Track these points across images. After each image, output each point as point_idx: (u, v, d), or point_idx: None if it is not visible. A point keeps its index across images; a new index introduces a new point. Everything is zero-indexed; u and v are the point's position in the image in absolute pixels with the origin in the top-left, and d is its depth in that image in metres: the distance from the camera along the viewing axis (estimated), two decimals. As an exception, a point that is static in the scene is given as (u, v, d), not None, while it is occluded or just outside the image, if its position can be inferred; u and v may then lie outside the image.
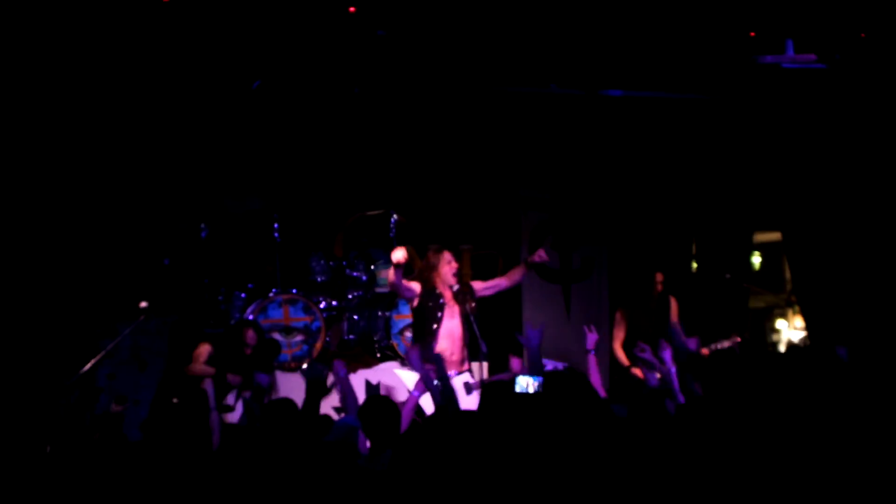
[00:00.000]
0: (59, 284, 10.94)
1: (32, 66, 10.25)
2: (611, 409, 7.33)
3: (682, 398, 8.25)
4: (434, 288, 10.08)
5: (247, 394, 9.95)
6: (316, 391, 8.08)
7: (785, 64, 11.79)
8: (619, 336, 11.48)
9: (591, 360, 9.00)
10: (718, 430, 6.67)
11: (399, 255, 9.72)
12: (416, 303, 10.12)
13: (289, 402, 6.98)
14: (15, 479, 5.97)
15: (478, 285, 10.30)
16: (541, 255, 10.21)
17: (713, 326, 12.59)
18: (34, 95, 10.46)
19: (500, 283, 10.43)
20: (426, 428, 6.83)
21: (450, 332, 10.03)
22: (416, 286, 10.06)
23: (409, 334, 11.52)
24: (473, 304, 10.10)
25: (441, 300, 10.06)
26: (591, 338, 9.17)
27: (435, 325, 9.97)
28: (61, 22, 9.95)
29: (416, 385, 9.44)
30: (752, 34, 11.58)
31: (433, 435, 6.49)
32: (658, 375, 10.68)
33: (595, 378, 8.89)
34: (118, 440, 7.33)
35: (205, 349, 10.00)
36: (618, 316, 11.49)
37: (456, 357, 9.98)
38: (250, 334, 10.19)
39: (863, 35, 11.58)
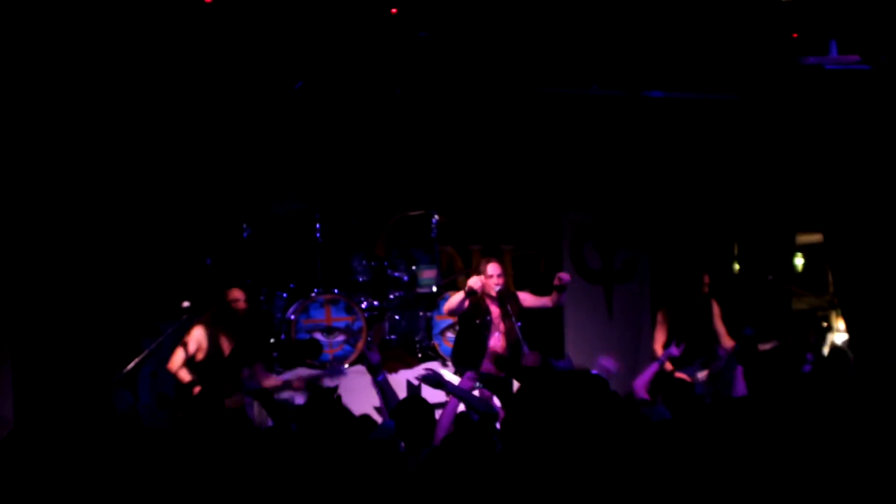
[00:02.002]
0: (103, 285, 11.01)
1: (76, 66, 10.32)
2: (641, 413, 7.33)
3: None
4: (481, 300, 10.05)
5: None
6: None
7: (828, 65, 11.73)
8: (660, 338, 11.39)
9: (653, 367, 9.02)
10: (761, 431, 6.64)
11: (476, 283, 9.78)
12: (460, 315, 10.11)
13: (331, 401, 7.00)
14: (61, 475, 6.00)
15: (526, 299, 10.26)
16: (562, 276, 10.14)
17: (755, 328, 12.54)
18: (79, 95, 10.53)
19: (546, 302, 10.37)
20: (463, 431, 6.85)
21: (494, 347, 10.04)
22: (464, 301, 10.03)
23: (450, 335, 11.52)
24: (517, 308, 10.08)
25: (488, 317, 10.04)
26: (672, 352, 9.32)
27: (482, 346, 9.98)
28: (105, 22, 10.00)
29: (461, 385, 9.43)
30: (795, 35, 11.53)
31: (469, 437, 6.52)
32: (702, 375, 10.68)
33: (643, 382, 8.90)
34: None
35: (179, 353, 9.95)
36: (659, 317, 11.40)
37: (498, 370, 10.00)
38: (235, 293, 10.15)
39: (907, 36, 11.52)
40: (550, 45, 11.23)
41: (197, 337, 9.93)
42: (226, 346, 10.01)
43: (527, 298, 10.26)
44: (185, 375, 9.73)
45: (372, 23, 10.58)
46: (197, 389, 9.66)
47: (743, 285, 13.35)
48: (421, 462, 6.49)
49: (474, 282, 9.86)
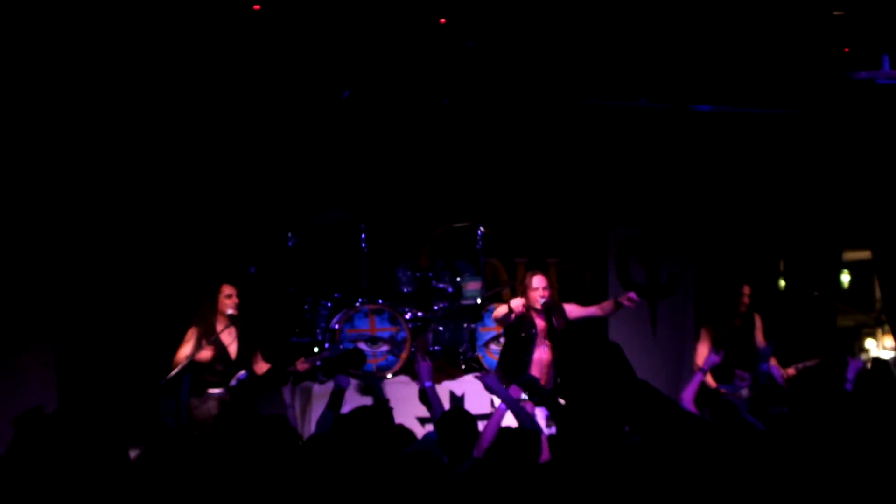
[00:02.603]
0: (150, 292, 11.07)
1: (121, 75, 10.39)
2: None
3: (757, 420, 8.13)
4: (526, 313, 10.02)
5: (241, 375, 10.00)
6: (337, 401, 8.11)
7: (880, 80, 11.64)
8: (702, 353, 11.30)
9: (697, 378, 8.95)
10: (802, 450, 6.59)
11: (518, 304, 9.80)
12: (506, 326, 10.09)
13: (369, 411, 7.00)
14: (108, 481, 6.01)
15: (573, 311, 10.21)
16: (631, 297, 10.08)
17: (800, 345, 12.46)
18: (127, 104, 10.61)
19: (595, 311, 10.32)
20: (507, 444, 6.81)
21: (539, 360, 10.01)
22: (510, 315, 10.01)
23: (494, 347, 11.48)
24: (563, 322, 10.04)
25: (533, 330, 10.01)
26: (712, 360, 9.23)
27: (527, 358, 9.95)
28: (156, 28, 10.05)
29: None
30: (847, 49, 11.45)
31: (514, 451, 6.48)
32: (745, 393, 10.58)
33: (689, 393, 8.83)
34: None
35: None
36: (703, 333, 11.31)
37: (543, 383, 9.94)
38: (227, 289, 10.09)
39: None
40: (598, 57, 11.20)
41: (191, 337, 10.00)
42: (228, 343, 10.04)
43: (573, 310, 10.21)
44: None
45: (420, 33, 10.59)
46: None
47: (789, 301, 13.25)
48: (463, 475, 6.47)
49: (516, 303, 9.86)
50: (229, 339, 10.06)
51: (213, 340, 9.92)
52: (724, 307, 11.25)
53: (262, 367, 10.22)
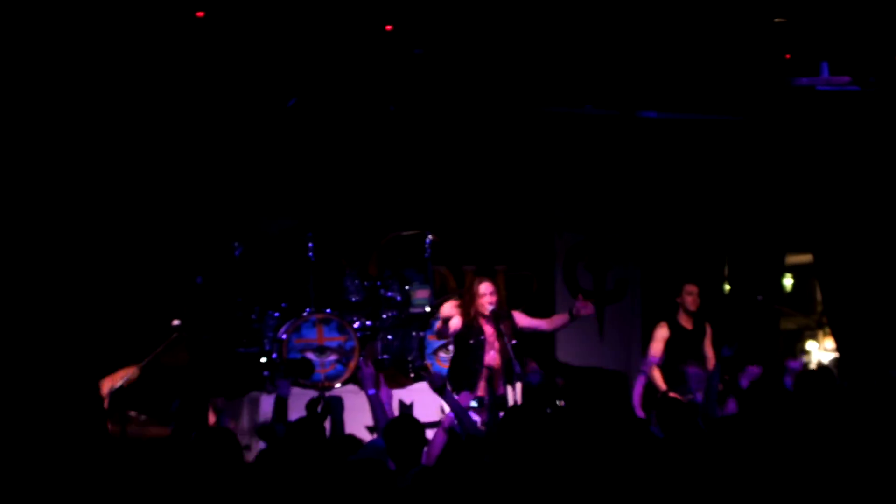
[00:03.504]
0: (93, 302, 10.93)
1: (68, 87, 10.28)
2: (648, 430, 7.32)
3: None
4: (474, 320, 10.01)
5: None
6: (281, 411, 8.06)
7: (819, 86, 11.78)
8: (657, 349, 11.25)
9: (640, 381, 8.99)
10: (752, 450, 6.65)
11: (448, 310, 9.85)
12: (453, 335, 10.07)
13: (312, 421, 6.98)
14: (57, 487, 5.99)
15: (521, 319, 10.22)
16: (587, 308, 10.10)
17: (744, 348, 12.55)
18: (72, 114, 10.49)
19: (542, 325, 10.34)
20: (453, 450, 6.81)
21: (489, 367, 9.99)
22: (456, 322, 9.99)
23: (443, 355, 11.47)
24: (511, 327, 10.04)
25: (482, 337, 10.00)
26: (651, 361, 9.23)
27: (476, 366, 9.93)
28: (95, 41, 9.95)
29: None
30: (788, 56, 11.57)
31: (459, 457, 6.49)
32: (698, 397, 10.63)
33: (636, 398, 8.88)
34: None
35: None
36: (655, 332, 11.28)
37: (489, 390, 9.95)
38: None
39: (896, 58, 11.58)
40: (545, 65, 11.24)
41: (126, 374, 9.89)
42: None
43: (522, 319, 10.21)
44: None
45: (366, 40, 10.56)
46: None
47: (733, 305, 13.35)
48: (410, 481, 6.46)
49: (446, 310, 9.83)
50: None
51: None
52: (673, 306, 11.29)
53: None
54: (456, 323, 9.98)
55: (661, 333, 11.13)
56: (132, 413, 9.75)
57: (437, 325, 10.04)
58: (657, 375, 11.03)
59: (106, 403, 9.58)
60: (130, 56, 10.25)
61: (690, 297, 11.11)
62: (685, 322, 11.14)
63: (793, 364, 10.27)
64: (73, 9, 9.65)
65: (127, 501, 6.03)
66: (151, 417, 9.85)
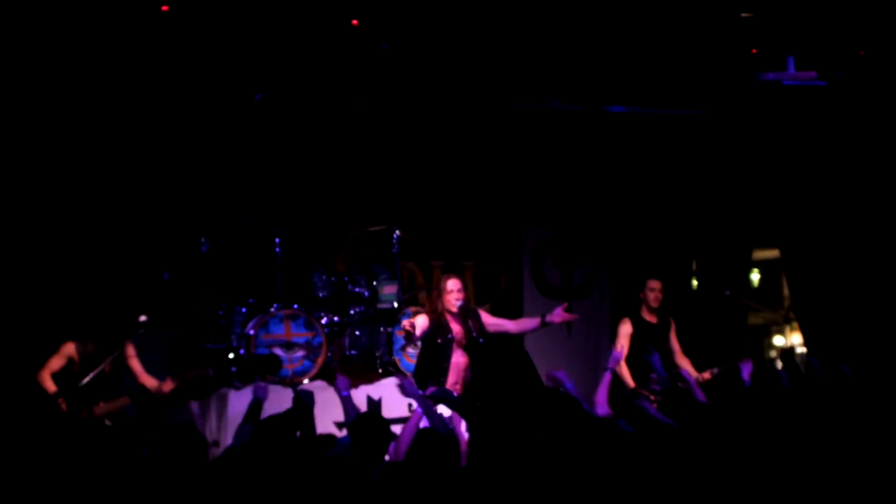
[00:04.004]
0: (60, 298, 10.87)
1: (31, 79, 10.22)
2: (616, 425, 7.33)
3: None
4: (441, 316, 10.00)
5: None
6: (255, 414, 8.03)
7: (786, 81, 11.84)
8: (623, 344, 11.26)
9: (606, 378, 8.99)
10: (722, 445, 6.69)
11: (409, 324, 9.78)
12: (421, 334, 10.04)
13: (286, 419, 6.97)
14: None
15: (486, 318, 10.23)
16: (561, 314, 10.12)
17: (712, 343, 12.60)
18: (34, 105, 10.43)
19: (509, 327, 10.35)
20: (424, 447, 6.81)
21: (456, 364, 9.99)
22: (423, 321, 9.98)
23: (411, 350, 11.45)
24: (478, 324, 10.05)
25: (449, 335, 9.99)
26: (615, 357, 9.24)
27: (444, 364, 9.93)
28: (59, 34, 9.90)
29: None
30: (754, 51, 11.61)
31: (430, 454, 6.49)
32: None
33: (602, 394, 8.87)
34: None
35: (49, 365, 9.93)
36: (620, 328, 11.31)
37: (459, 387, 9.94)
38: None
39: (862, 53, 11.62)
40: (512, 60, 11.24)
41: (67, 351, 9.89)
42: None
43: (487, 318, 10.22)
44: (50, 386, 9.70)
45: (333, 35, 10.54)
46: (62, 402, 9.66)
47: (701, 301, 13.39)
48: (376, 477, 6.46)
49: (408, 323, 9.81)
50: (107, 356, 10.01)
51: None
52: (636, 303, 11.33)
53: (147, 380, 10.13)
54: (423, 323, 9.97)
55: (625, 329, 11.18)
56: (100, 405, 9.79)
57: (406, 322, 9.98)
58: (624, 371, 11.05)
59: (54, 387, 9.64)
60: (96, 50, 10.20)
61: (652, 293, 11.16)
62: (648, 317, 11.19)
63: (746, 365, 10.31)
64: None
65: (91, 498, 6.00)
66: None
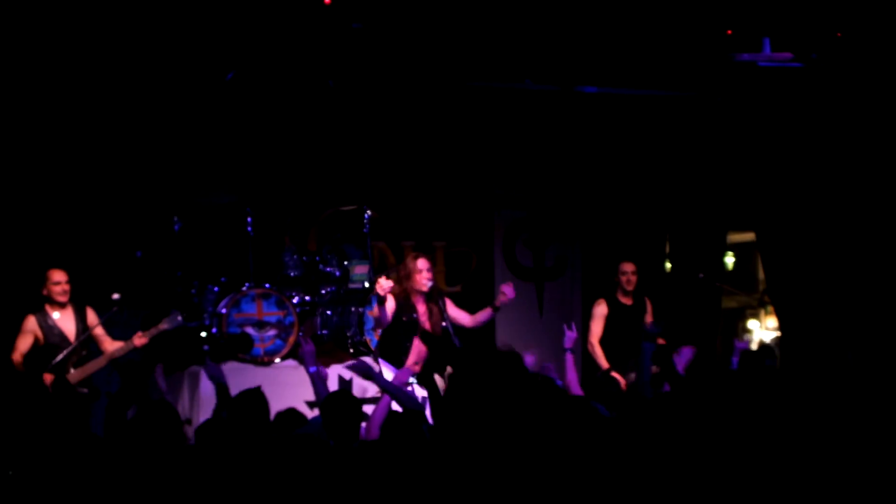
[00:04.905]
0: (32, 275, 10.84)
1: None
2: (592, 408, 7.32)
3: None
4: (408, 298, 10.01)
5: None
6: (224, 397, 8.02)
7: (761, 62, 11.80)
8: (596, 332, 11.28)
9: (569, 359, 8.95)
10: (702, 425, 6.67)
11: (382, 287, 9.82)
12: (389, 317, 10.05)
13: (257, 395, 6.96)
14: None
15: (450, 307, 10.27)
16: (507, 294, 10.14)
17: (686, 327, 12.60)
18: (4, 82, 10.40)
19: (464, 321, 10.39)
20: (392, 425, 6.82)
21: (418, 344, 9.99)
22: (391, 304, 9.99)
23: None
24: (444, 306, 10.06)
25: (414, 315, 10.00)
26: (570, 336, 9.11)
27: (407, 343, 9.93)
28: (29, 12, 9.86)
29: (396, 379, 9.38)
30: (729, 32, 11.58)
31: (398, 432, 6.49)
32: (633, 377, 10.64)
33: (572, 376, 8.86)
34: (85, 436, 7.26)
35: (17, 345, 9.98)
36: (594, 310, 11.30)
37: (419, 367, 9.95)
38: (56, 275, 10.15)
39: (839, 35, 11.60)
40: (484, 39, 11.21)
41: (30, 327, 9.99)
42: (66, 328, 10.05)
43: (450, 309, 10.25)
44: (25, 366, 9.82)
45: (305, 13, 10.50)
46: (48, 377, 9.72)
47: (674, 283, 13.39)
48: (350, 456, 6.45)
49: (380, 287, 9.81)
50: (68, 323, 10.10)
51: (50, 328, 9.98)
52: (612, 283, 11.33)
53: (110, 345, 10.15)
54: (391, 305, 9.99)
55: (601, 311, 11.19)
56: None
57: (375, 308, 10.01)
58: (599, 353, 11.07)
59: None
60: (67, 28, 10.16)
61: (625, 276, 11.17)
62: (624, 299, 11.20)
63: (740, 344, 10.32)
64: None
65: (71, 481, 5.98)
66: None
